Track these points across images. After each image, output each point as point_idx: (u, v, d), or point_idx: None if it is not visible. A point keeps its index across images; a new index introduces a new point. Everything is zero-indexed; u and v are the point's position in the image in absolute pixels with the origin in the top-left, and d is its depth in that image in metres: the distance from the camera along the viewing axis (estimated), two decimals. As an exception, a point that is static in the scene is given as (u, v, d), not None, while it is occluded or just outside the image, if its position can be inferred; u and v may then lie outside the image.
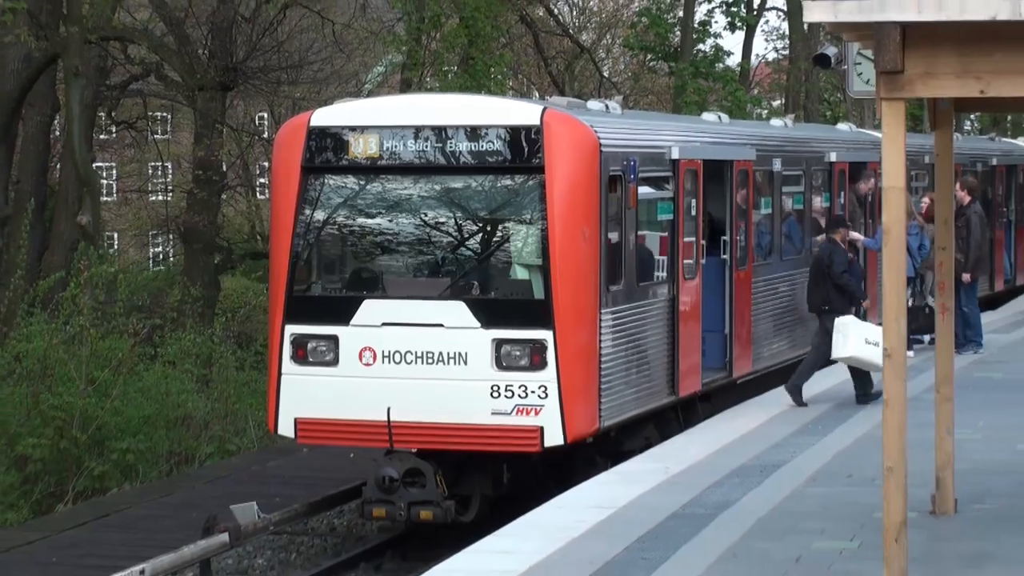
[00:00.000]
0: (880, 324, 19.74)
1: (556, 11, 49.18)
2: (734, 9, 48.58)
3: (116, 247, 50.15)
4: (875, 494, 11.36)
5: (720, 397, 20.57)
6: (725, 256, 21.08)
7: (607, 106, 20.68)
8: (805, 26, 42.85)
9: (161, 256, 55.64)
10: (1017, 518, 13.02)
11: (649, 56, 47.57)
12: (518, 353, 16.76)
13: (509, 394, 16.73)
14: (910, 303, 22.51)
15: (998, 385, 20.87)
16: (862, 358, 20.96)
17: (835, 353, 20.83)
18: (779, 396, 20.52)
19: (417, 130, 17.57)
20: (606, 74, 48.74)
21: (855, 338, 20.80)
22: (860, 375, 20.21)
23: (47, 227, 32.93)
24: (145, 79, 40.79)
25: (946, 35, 10.08)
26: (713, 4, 47.50)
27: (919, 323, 23.35)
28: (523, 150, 17.15)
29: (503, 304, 17.07)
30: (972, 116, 46.67)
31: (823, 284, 21.19)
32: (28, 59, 31.56)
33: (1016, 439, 16.72)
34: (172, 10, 36.68)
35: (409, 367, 16.98)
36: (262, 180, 45.99)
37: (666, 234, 19.21)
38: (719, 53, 47.08)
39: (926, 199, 27.48)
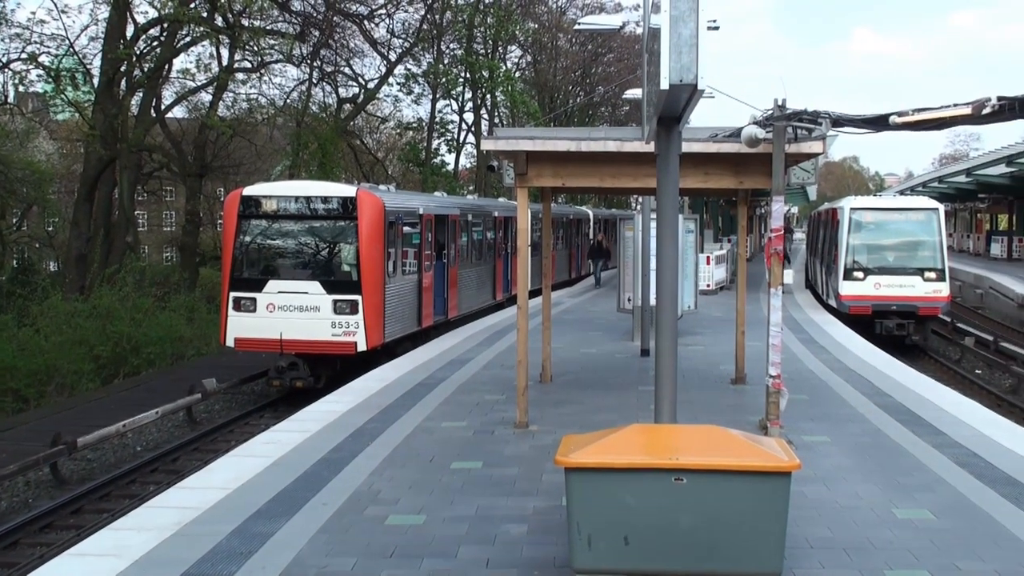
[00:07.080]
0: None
1: (366, 142, 48.56)
2: (451, 142, 48.58)
3: (146, 253, 47.45)
4: (513, 373, 11.41)
5: (441, 328, 20.48)
6: (445, 260, 20.99)
7: (389, 188, 20.37)
8: (484, 151, 42.80)
9: (169, 258, 53.21)
10: (578, 383, 13.21)
11: (410, 164, 46.91)
12: (344, 306, 16.38)
13: (340, 326, 16.35)
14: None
15: (573, 321, 21.23)
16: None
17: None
18: (466, 329, 20.43)
19: (296, 198, 17.04)
20: (389, 172, 47.95)
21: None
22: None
23: (111, 243, 31.00)
24: (160, 170, 38.86)
25: (546, 157, 10.19)
26: (440, 140, 47.34)
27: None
28: (348, 208, 16.76)
29: (337, 283, 16.60)
30: (562, 196, 47.16)
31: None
32: (100, 159, 29.63)
33: (580, 347, 16.99)
34: (174, 135, 35.19)
35: (291, 313, 16.46)
36: (219, 221, 44.03)
37: (417, 249, 19.01)
38: (444, 163, 46.79)
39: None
